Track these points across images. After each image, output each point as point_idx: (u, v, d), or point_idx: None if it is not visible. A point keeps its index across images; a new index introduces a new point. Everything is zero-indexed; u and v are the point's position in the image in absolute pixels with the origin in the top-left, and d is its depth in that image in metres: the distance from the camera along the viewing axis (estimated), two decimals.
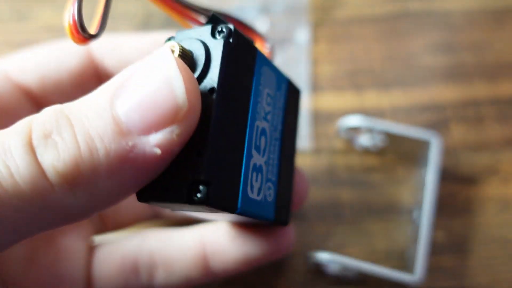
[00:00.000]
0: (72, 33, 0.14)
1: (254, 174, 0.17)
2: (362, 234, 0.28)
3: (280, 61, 0.33)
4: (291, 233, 0.21)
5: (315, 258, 0.26)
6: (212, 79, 0.15)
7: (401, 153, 0.29)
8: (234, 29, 0.16)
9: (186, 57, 0.16)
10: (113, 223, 0.23)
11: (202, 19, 0.17)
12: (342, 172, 0.29)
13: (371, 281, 0.26)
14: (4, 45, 0.32)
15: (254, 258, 0.21)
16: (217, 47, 0.16)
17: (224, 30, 0.16)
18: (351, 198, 0.29)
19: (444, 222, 0.28)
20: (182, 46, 0.16)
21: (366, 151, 0.30)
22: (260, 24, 0.35)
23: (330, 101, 0.32)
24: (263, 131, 0.18)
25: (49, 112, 0.14)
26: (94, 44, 0.20)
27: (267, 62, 0.18)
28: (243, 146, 0.17)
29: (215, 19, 0.17)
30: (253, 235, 0.20)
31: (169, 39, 0.17)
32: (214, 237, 0.21)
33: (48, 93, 0.20)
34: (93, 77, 0.21)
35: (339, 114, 0.31)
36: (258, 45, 0.20)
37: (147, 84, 0.13)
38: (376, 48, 0.34)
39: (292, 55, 0.33)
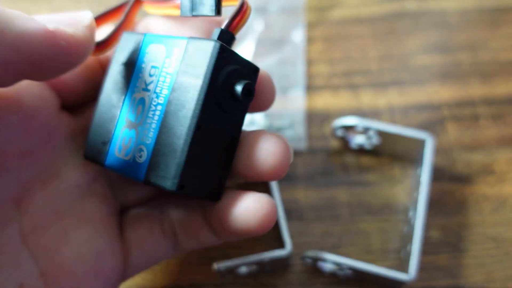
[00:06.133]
0: None
1: None
2: (358, 233, 0.28)
3: (276, 61, 0.33)
4: None
5: (312, 258, 0.26)
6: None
7: (396, 152, 0.29)
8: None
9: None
10: (134, 200, 0.24)
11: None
12: (338, 172, 0.29)
13: (367, 280, 0.26)
14: None
15: None
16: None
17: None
18: (347, 197, 0.29)
19: (439, 221, 0.28)
20: None
21: (362, 151, 0.30)
22: (256, 24, 0.35)
23: (325, 101, 0.32)
24: None
25: None
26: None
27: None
28: None
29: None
30: None
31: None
32: None
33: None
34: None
35: (334, 114, 0.31)
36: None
37: None
38: (372, 47, 0.34)
39: (288, 55, 0.33)
